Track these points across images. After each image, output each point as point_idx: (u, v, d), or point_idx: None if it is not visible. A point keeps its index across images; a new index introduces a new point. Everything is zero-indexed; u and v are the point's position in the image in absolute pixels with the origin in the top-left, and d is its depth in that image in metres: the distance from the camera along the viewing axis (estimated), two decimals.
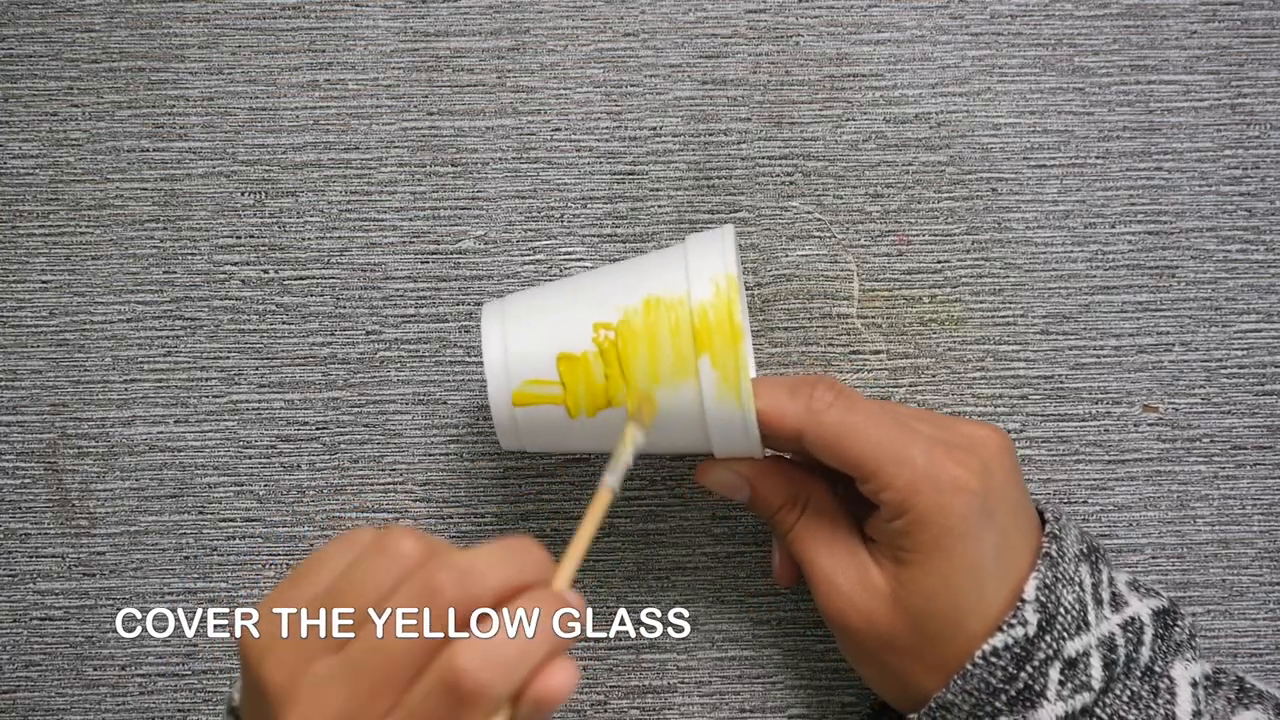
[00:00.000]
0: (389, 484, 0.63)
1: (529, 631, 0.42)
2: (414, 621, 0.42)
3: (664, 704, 0.63)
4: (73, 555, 0.63)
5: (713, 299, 0.53)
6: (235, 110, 0.62)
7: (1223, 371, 0.62)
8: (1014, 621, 0.52)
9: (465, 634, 0.42)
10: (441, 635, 0.42)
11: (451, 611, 0.42)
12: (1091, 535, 0.57)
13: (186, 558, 0.63)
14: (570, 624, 0.43)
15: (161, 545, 0.63)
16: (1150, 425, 0.62)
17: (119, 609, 0.63)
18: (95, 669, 0.63)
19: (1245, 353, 0.62)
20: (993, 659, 0.52)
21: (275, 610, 0.44)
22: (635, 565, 0.63)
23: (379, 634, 0.42)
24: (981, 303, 0.62)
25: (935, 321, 0.62)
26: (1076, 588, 0.53)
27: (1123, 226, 0.62)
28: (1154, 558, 0.63)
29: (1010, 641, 0.52)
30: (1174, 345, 0.62)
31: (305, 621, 0.43)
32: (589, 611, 0.45)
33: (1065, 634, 0.52)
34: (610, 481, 0.49)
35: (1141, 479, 0.63)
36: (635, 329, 0.53)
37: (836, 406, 0.53)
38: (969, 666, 0.52)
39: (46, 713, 0.63)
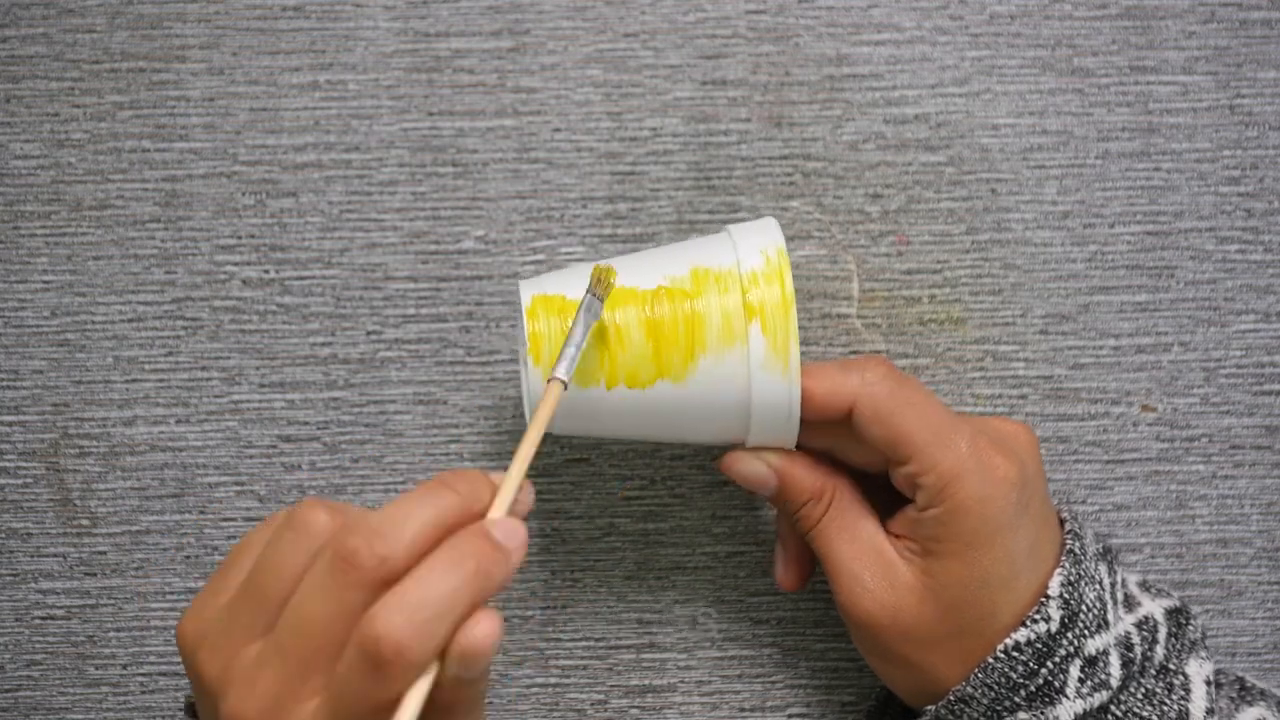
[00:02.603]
0: (389, 484, 0.63)
1: (447, 583, 0.41)
2: (331, 593, 0.41)
3: (664, 704, 0.63)
4: (74, 555, 0.63)
5: (763, 268, 0.53)
6: (236, 111, 0.62)
7: (1221, 371, 0.62)
8: (1038, 617, 0.52)
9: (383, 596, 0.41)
10: (363, 603, 0.41)
11: (367, 577, 0.41)
12: (1104, 535, 0.57)
13: (187, 557, 0.63)
14: (495, 566, 0.42)
15: (163, 545, 0.63)
16: (1149, 425, 0.63)
17: (120, 608, 0.63)
18: (97, 668, 0.63)
19: (1243, 353, 0.62)
20: (1014, 654, 0.52)
21: (206, 604, 0.44)
22: (635, 565, 0.63)
23: (300, 608, 0.41)
24: (981, 303, 0.62)
25: (935, 321, 0.62)
26: (1097, 586, 0.53)
27: (1121, 227, 0.62)
28: (1152, 557, 0.63)
29: (1033, 637, 0.52)
30: (1172, 345, 0.62)
31: (231, 610, 0.43)
32: (522, 534, 0.43)
33: (1086, 631, 0.52)
34: (560, 372, 0.48)
35: (1140, 479, 0.63)
36: (682, 292, 0.52)
37: (889, 382, 0.53)
38: (990, 660, 0.52)
39: (48, 711, 0.63)
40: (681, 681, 0.63)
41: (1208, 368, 0.62)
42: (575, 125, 0.62)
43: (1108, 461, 0.62)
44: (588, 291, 0.51)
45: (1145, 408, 0.63)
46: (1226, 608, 0.63)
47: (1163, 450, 0.63)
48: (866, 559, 0.54)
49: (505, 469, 0.45)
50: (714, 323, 0.52)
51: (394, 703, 0.40)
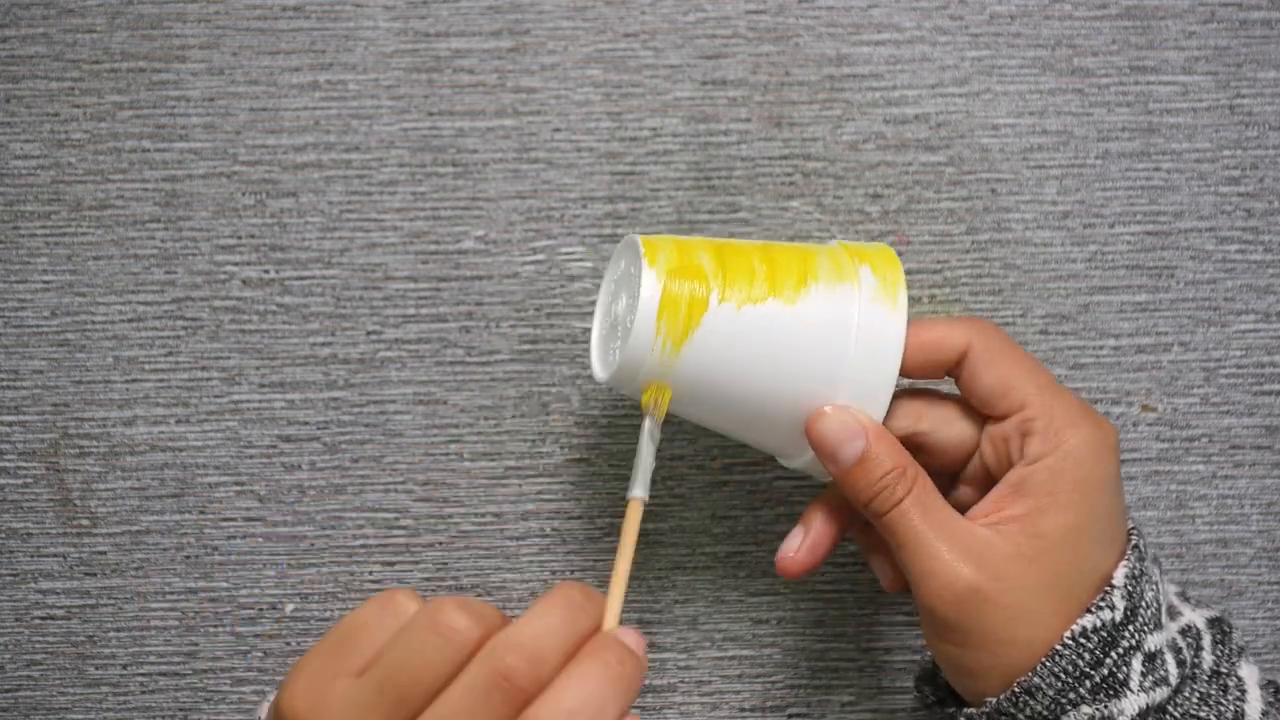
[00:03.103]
0: (389, 484, 0.63)
1: (597, 691, 0.42)
2: (486, 709, 0.41)
3: (664, 704, 0.63)
4: (74, 555, 0.63)
5: (869, 243, 0.54)
6: (236, 111, 0.62)
7: (1221, 371, 0.62)
8: (1103, 605, 0.51)
9: (534, 703, 0.42)
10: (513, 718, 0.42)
11: (524, 696, 0.42)
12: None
13: (187, 557, 0.63)
14: (633, 671, 0.43)
15: (162, 545, 0.63)
16: (1149, 425, 0.63)
17: (120, 608, 0.63)
18: (97, 668, 0.63)
19: (1243, 353, 0.62)
20: (1082, 640, 0.51)
21: (320, 679, 0.43)
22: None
23: (450, 718, 0.42)
24: (981, 303, 0.62)
25: None
26: (1154, 586, 0.53)
27: (1121, 227, 0.62)
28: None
29: (1099, 624, 0.51)
30: (1172, 345, 0.62)
31: (361, 701, 0.42)
32: (644, 642, 0.45)
33: (1146, 627, 0.52)
34: (638, 492, 0.49)
35: (1140, 478, 0.63)
36: (790, 247, 0.53)
37: (999, 333, 0.53)
38: (1058, 647, 0.51)
39: (48, 711, 0.63)
40: (681, 681, 0.63)
41: (1208, 368, 0.62)
42: (575, 125, 0.62)
43: None
44: (647, 415, 0.51)
45: (1145, 408, 0.63)
46: (1227, 608, 0.63)
47: (1163, 450, 0.63)
48: (961, 538, 0.51)
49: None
50: (825, 261, 0.53)
51: None
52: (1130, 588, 0.51)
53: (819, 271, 0.52)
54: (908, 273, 0.62)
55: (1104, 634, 0.51)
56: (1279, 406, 0.63)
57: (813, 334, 0.51)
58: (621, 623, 0.46)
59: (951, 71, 0.62)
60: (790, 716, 0.63)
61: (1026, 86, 0.62)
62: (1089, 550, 0.51)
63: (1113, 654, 0.51)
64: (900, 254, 0.62)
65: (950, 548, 0.51)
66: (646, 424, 0.51)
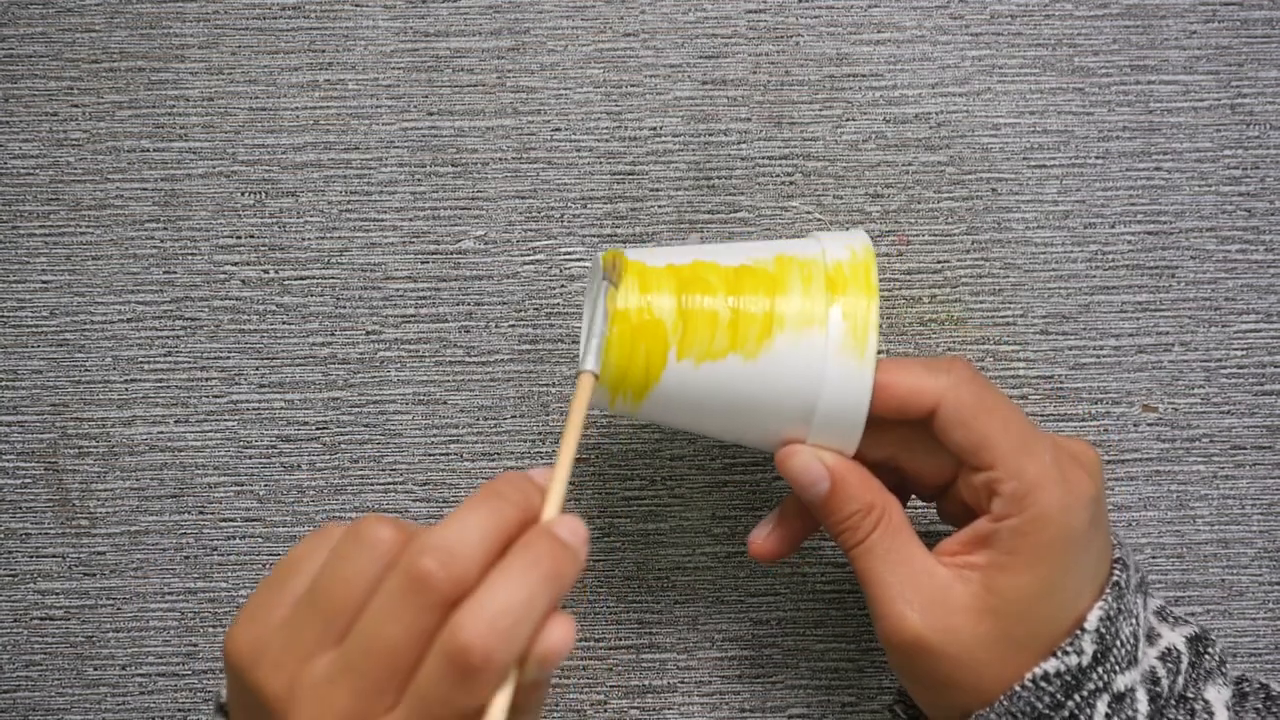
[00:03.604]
0: (389, 484, 0.63)
1: (525, 589, 0.41)
2: (405, 613, 0.41)
3: (664, 704, 0.63)
4: (73, 555, 0.63)
5: (849, 260, 0.52)
6: (235, 110, 0.62)
7: (1222, 371, 0.62)
8: (1070, 649, 0.50)
9: (462, 605, 0.41)
10: (437, 622, 0.41)
11: (441, 597, 0.41)
12: (1138, 561, 0.56)
13: (187, 558, 0.63)
14: (566, 565, 0.42)
15: (162, 545, 0.63)
16: (1150, 425, 0.63)
17: (119, 608, 0.63)
18: (96, 669, 0.63)
19: (1244, 353, 0.62)
20: (1042, 683, 0.50)
21: (259, 615, 0.44)
22: (635, 565, 0.63)
23: (373, 626, 0.41)
24: (981, 303, 0.62)
25: (935, 321, 0.62)
26: (1133, 621, 0.52)
27: (1122, 226, 0.62)
28: (1154, 558, 0.63)
29: (1062, 668, 0.50)
30: (1173, 345, 0.62)
31: (294, 623, 0.43)
32: (584, 531, 0.44)
33: (1117, 667, 0.51)
34: (589, 364, 0.47)
35: (1141, 479, 0.63)
36: (764, 271, 0.51)
37: (974, 385, 0.52)
38: (1017, 688, 0.50)
39: (47, 712, 0.63)
40: (681, 681, 0.63)
41: (1209, 368, 0.62)
42: (575, 125, 0.62)
43: (1109, 462, 0.62)
44: (603, 278, 0.51)
45: (1146, 408, 0.63)
46: (1228, 608, 0.63)
47: (1164, 450, 0.63)
48: (917, 581, 0.52)
49: (546, 465, 0.45)
50: (794, 302, 0.51)
51: (479, 710, 0.41)
52: (1104, 629, 0.51)
53: (785, 318, 0.51)
54: (907, 273, 0.62)
55: (1067, 677, 0.51)
56: None
57: (776, 389, 0.51)
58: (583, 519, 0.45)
59: (952, 71, 0.62)
60: (790, 717, 0.63)
61: (1027, 86, 0.62)
62: (1045, 611, 0.51)
63: (1075, 696, 0.51)
64: (900, 254, 0.62)
65: (904, 593, 0.51)
66: (604, 289, 0.50)
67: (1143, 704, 0.52)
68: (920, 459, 0.54)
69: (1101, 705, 0.51)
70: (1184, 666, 0.53)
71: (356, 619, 0.42)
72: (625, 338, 0.51)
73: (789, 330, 0.51)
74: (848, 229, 0.61)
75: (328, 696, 0.42)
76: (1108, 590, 0.51)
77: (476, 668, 0.40)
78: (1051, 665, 0.50)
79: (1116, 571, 0.52)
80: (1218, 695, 0.53)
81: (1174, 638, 0.54)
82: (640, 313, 0.51)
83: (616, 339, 0.51)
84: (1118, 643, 0.51)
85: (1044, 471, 0.50)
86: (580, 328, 0.62)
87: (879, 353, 0.62)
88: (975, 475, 0.52)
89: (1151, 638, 0.54)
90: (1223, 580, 0.63)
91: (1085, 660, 0.51)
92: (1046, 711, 0.50)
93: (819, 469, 0.53)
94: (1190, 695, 0.53)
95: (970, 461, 0.52)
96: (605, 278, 0.51)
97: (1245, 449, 0.63)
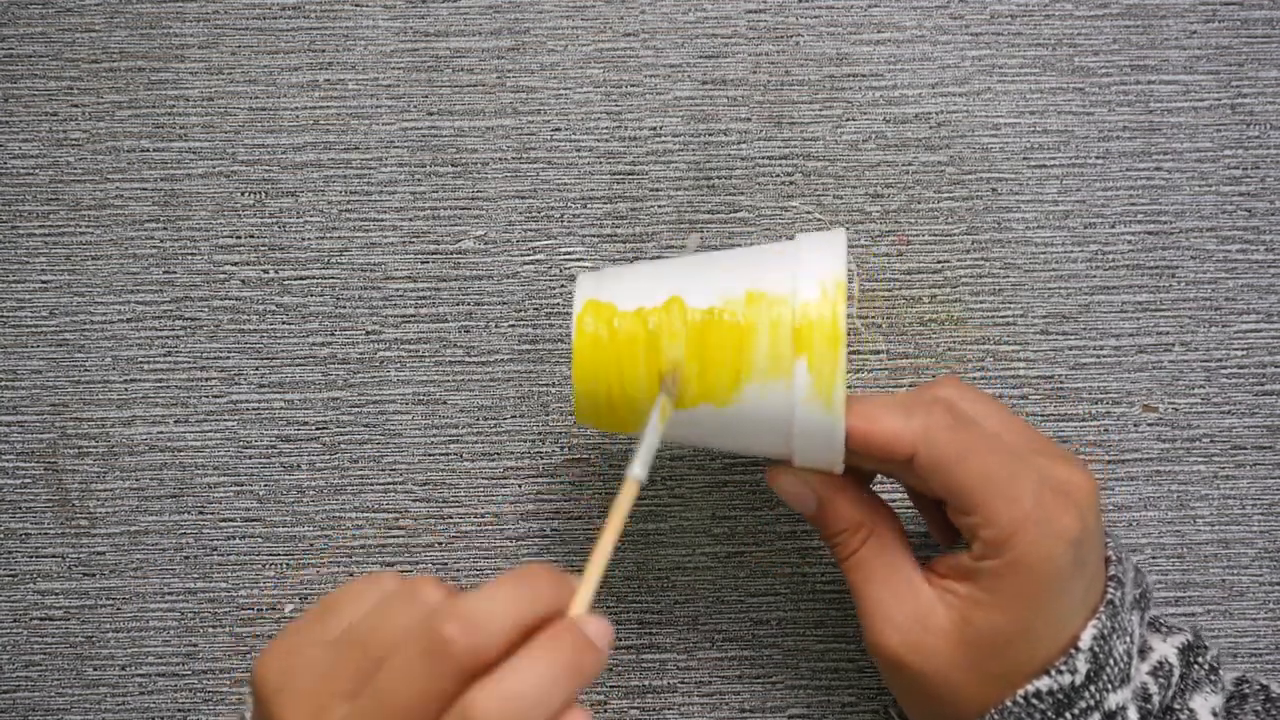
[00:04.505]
0: (389, 484, 0.63)
1: (545, 677, 0.41)
2: (420, 675, 0.41)
3: (664, 704, 0.63)
4: (73, 555, 0.63)
5: (818, 301, 0.51)
6: (235, 110, 0.62)
7: (1222, 371, 0.62)
8: (1064, 669, 0.50)
9: (479, 681, 0.41)
10: (451, 690, 0.41)
11: (459, 665, 0.41)
12: (1141, 570, 0.55)
13: (186, 558, 0.63)
14: (588, 662, 0.42)
15: (161, 545, 0.63)
16: (1150, 425, 0.63)
17: (119, 608, 0.63)
18: (95, 669, 0.63)
19: (1245, 353, 0.62)
20: (1034, 701, 0.50)
21: (293, 648, 0.44)
22: (635, 565, 0.63)
23: (388, 683, 0.41)
24: (981, 303, 0.62)
25: (935, 321, 0.62)
26: (1127, 638, 0.52)
27: (1122, 226, 0.62)
28: (1154, 558, 0.63)
29: (1055, 687, 0.50)
30: (1174, 345, 0.62)
31: (327, 662, 0.43)
32: (610, 634, 0.44)
33: (1110, 685, 0.51)
34: (638, 471, 0.48)
35: (1141, 479, 0.63)
36: (732, 324, 0.52)
37: (948, 431, 0.51)
38: (1008, 704, 0.50)
39: (46, 712, 0.63)
40: (681, 682, 0.63)
41: (1209, 368, 0.62)
42: (575, 125, 0.62)
43: (1109, 462, 0.62)
44: (662, 392, 0.51)
45: (1146, 408, 0.62)
46: (1228, 608, 0.63)
47: (1164, 450, 0.63)
48: (901, 598, 0.52)
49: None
50: (762, 351, 0.51)
51: None
52: (1097, 648, 0.51)
53: (754, 366, 0.51)
54: (907, 273, 0.62)
55: (1059, 695, 0.50)
56: None
57: (749, 431, 0.52)
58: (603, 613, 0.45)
59: (952, 71, 0.62)
60: (790, 717, 0.63)
61: (1027, 86, 0.62)
62: (1020, 652, 0.51)
63: (1066, 715, 0.51)
64: (900, 253, 0.62)
65: (887, 610, 0.52)
66: (660, 401, 0.50)
67: None
68: (913, 480, 0.53)
69: None
70: (1175, 680, 0.53)
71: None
72: (601, 375, 0.52)
73: (755, 382, 0.51)
74: (830, 228, 0.61)
75: None
76: (1101, 609, 0.51)
77: None
78: (1044, 684, 0.50)
79: (1110, 589, 0.52)
80: (1203, 704, 0.53)
81: (1165, 649, 0.54)
82: (614, 359, 0.52)
83: (590, 371, 0.52)
84: (1111, 660, 0.51)
85: (1023, 516, 0.50)
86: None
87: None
88: (957, 515, 0.52)
89: (1144, 652, 0.53)
90: (1223, 580, 0.63)
91: (1078, 679, 0.50)
92: None
93: (805, 491, 0.54)
94: (1176, 706, 0.53)
95: (950, 504, 0.52)
96: (665, 391, 0.51)
97: (1245, 449, 0.63)
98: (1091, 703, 0.51)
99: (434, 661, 0.41)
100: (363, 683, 0.42)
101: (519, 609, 0.43)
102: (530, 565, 0.44)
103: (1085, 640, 0.51)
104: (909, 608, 0.52)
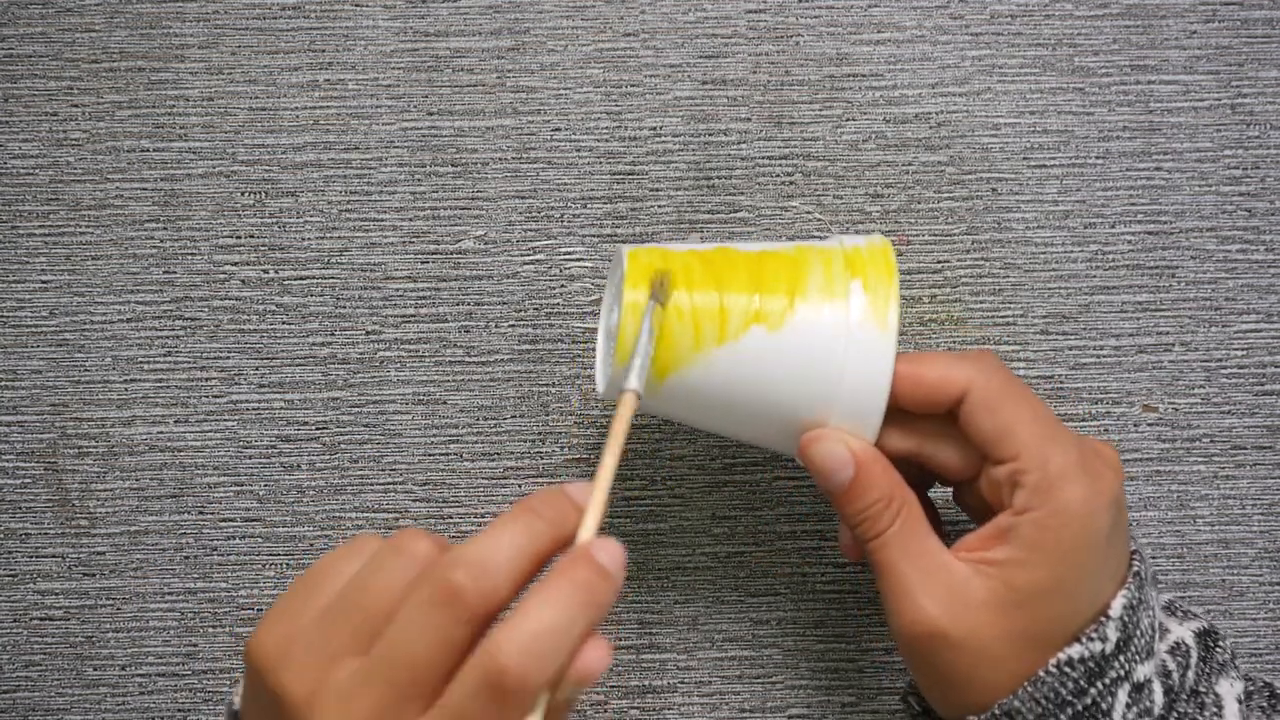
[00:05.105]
0: (389, 484, 0.63)
1: (563, 613, 0.41)
2: (434, 625, 0.41)
3: (664, 704, 0.63)
4: (73, 555, 0.63)
5: (866, 246, 0.52)
6: (235, 110, 0.62)
7: (1222, 371, 0.62)
8: (1094, 636, 0.50)
9: (498, 624, 0.41)
10: (467, 636, 0.41)
11: (471, 611, 0.41)
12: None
13: (186, 558, 0.63)
14: (604, 589, 0.42)
15: (161, 545, 0.63)
16: (1150, 425, 0.63)
17: (119, 608, 0.63)
18: (95, 669, 0.63)
19: (1245, 353, 0.62)
20: (1067, 669, 0.50)
21: (287, 619, 0.44)
22: (635, 565, 0.63)
23: (400, 636, 0.41)
24: (981, 303, 0.62)
25: (935, 321, 0.62)
26: (1151, 613, 0.52)
27: (1122, 226, 0.62)
28: (1154, 558, 0.63)
29: (1087, 654, 0.50)
30: (1174, 345, 0.62)
31: (322, 628, 0.43)
32: (622, 556, 0.44)
33: (1138, 657, 0.51)
34: (634, 383, 0.47)
35: (1141, 479, 0.63)
36: (784, 255, 0.52)
37: (1002, 374, 0.51)
38: (1041, 674, 0.50)
39: (46, 712, 0.63)
40: (681, 682, 0.63)
41: (1209, 368, 0.62)
42: (575, 125, 0.62)
43: None
44: (651, 297, 0.50)
45: (1146, 408, 0.62)
46: (1228, 608, 0.63)
47: (1164, 450, 0.63)
48: (935, 575, 0.51)
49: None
50: (816, 278, 0.51)
51: None
52: (1127, 618, 0.51)
53: (808, 290, 0.51)
54: (907, 273, 0.62)
55: (1091, 664, 0.50)
56: None
57: (799, 361, 0.51)
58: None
59: (952, 71, 0.62)
60: (790, 717, 0.63)
61: (1027, 86, 0.62)
62: (1063, 608, 0.50)
63: (1098, 684, 0.51)
64: (900, 254, 0.62)
65: (923, 587, 0.51)
66: (649, 308, 0.50)
67: (1158, 695, 0.52)
68: (944, 453, 0.53)
69: (1122, 694, 0.51)
70: (1193, 661, 0.53)
71: (385, 628, 0.42)
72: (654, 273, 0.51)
73: (811, 301, 0.51)
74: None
75: (351, 703, 0.42)
76: (1129, 580, 0.51)
77: (512, 690, 0.40)
78: (1076, 651, 0.50)
79: (1136, 562, 0.52)
80: (1229, 689, 0.53)
81: (1182, 632, 0.54)
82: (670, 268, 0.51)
83: (635, 325, 0.50)
84: (1138, 632, 0.51)
85: (1069, 465, 0.50)
86: (582, 328, 0.62)
87: (902, 348, 0.62)
88: (999, 467, 0.51)
89: (1161, 632, 0.54)
90: (1223, 580, 0.63)
91: (1109, 647, 0.50)
92: (1070, 698, 0.50)
93: (844, 454, 0.52)
94: (1202, 689, 0.53)
95: (994, 452, 0.51)
96: (654, 297, 0.50)
97: (1245, 449, 0.63)
98: (1121, 673, 0.51)
99: (446, 610, 0.41)
100: (368, 641, 0.42)
101: (524, 546, 0.43)
102: (533, 493, 0.44)
103: (1116, 609, 0.51)
104: (946, 583, 0.51)
